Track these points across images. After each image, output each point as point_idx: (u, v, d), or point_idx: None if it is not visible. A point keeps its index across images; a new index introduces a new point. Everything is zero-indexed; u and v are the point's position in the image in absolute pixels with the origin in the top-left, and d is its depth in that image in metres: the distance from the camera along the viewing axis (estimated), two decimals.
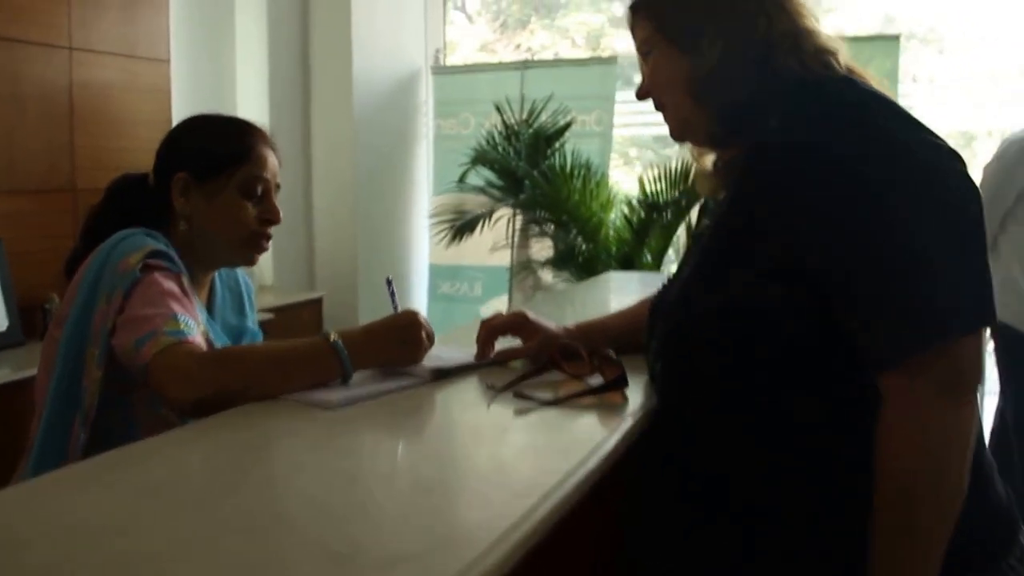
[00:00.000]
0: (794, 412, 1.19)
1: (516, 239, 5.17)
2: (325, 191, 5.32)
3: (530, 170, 4.93)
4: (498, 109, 5.10)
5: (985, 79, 5.54)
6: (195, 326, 1.42)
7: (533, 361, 1.54)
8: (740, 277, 1.19)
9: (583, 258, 4.91)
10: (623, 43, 6.12)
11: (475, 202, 5.01)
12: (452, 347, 1.61)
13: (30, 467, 1.44)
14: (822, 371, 1.17)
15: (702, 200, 4.59)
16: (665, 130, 1.40)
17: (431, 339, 1.49)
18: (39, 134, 3.58)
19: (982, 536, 1.17)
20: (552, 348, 1.52)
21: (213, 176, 1.60)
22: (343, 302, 5.15)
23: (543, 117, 5.07)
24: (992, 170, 3.28)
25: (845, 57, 1.27)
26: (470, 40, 6.54)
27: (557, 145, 5.04)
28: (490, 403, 1.33)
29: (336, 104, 5.27)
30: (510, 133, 5.05)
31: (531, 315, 1.62)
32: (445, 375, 1.48)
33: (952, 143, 1.15)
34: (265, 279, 4.88)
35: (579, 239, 4.94)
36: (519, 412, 1.28)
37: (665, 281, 1.67)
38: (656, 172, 4.83)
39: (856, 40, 4.25)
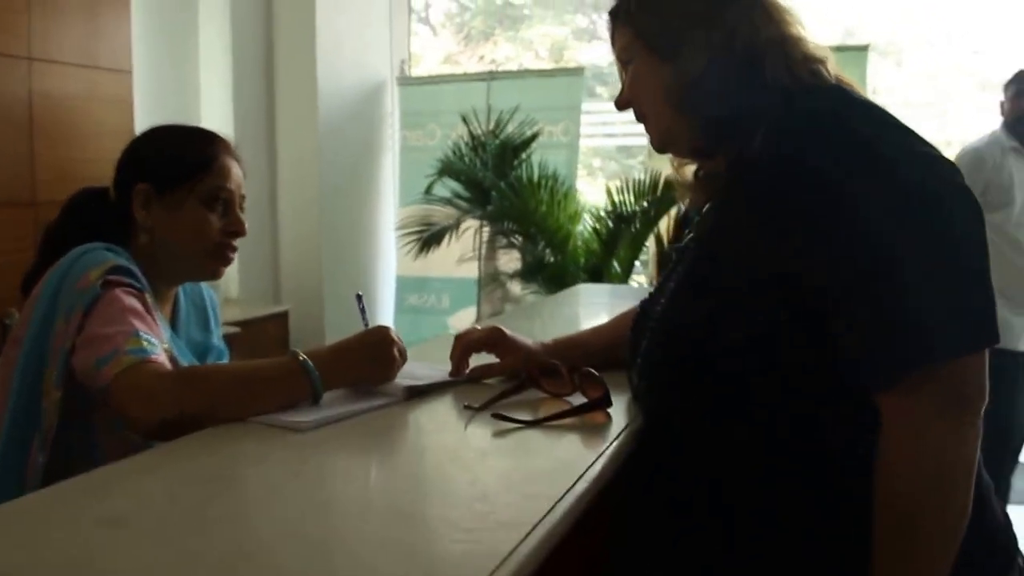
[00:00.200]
0: (787, 423, 1.15)
1: (484, 251, 5.13)
2: (290, 203, 5.26)
3: (497, 181, 4.89)
4: (464, 120, 5.06)
5: (943, 90, 5.59)
6: (158, 344, 1.36)
7: (510, 379, 1.50)
8: (729, 293, 1.16)
9: (551, 270, 4.88)
10: (586, 55, 6.13)
11: (442, 214, 4.96)
12: (425, 364, 1.56)
13: None
14: (816, 383, 1.14)
15: (679, 211, 4.60)
16: (628, 141, 1.37)
17: (403, 356, 1.44)
18: None
19: (980, 560, 1.13)
20: (530, 365, 1.48)
21: (175, 187, 1.54)
22: (309, 315, 5.09)
23: (509, 128, 5.04)
24: None
25: (833, 65, 1.24)
26: (434, 52, 6.52)
27: (524, 156, 5.01)
28: (467, 424, 1.28)
29: (301, 115, 5.21)
30: (477, 144, 5.01)
31: (507, 331, 1.58)
32: (419, 393, 1.43)
33: None
34: (230, 292, 4.80)
35: (547, 251, 4.90)
36: (498, 434, 1.23)
37: (645, 296, 1.64)
38: (621, 183, 4.81)
39: None
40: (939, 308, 1.03)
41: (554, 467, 1.12)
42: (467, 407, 1.33)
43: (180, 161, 1.56)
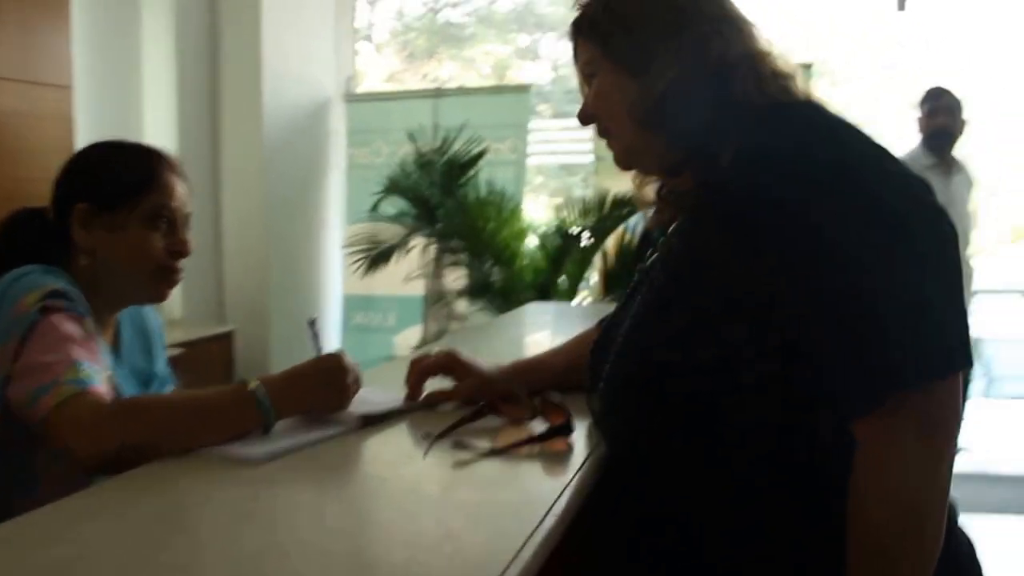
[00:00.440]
0: (757, 443, 1.12)
1: (430, 268, 5.08)
2: (235, 221, 5.15)
3: (444, 199, 4.85)
4: (411, 138, 5.01)
5: (876, 109, 5.69)
6: (99, 373, 1.30)
7: (467, 404, 1.46)
8: (698, 313, 1.12)
9: (498, 288, 4.84)
10: (527, 73, 6.15)
11: (390, 231, 4.90)
12: (379, 389, 1.51)
13: None
14: (786, 403, 1.11)
15: (626, 229, 4.60)
16: (570, 159, 1.34)
17: (358, 383, 1.40)
18: None
19: None
20: (488, 390, 1.44)
21: (116, 206, 1.48)
22: (255, 336, 4.99)
23: (456, 146, 4.99)
24: None
25: (803, 81, 1.22)
26: (378, 70, 6.48)
27: (471, 174, 4.97)
28: (426, 453, 1.23)
29: (246, 132, 5.12)
30: (424, 162, 4.97)
31: (463, 354, 1.54)
32: (374, 421, 1.38)
33: None
34: (173, 312, 4.68)
35: (494, 268, 4.87)
36: (459, 464, 1.18)
37: (601, 316, 1.61)
38: (564, 200, 4.81)
39: None
40: (913, 332, 1.01)
41: (520, 500, 1.08)
42: (426, 435, 1.28)
43: (121, 179, 1.50)
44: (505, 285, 4.84)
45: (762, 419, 1.11)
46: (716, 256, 1.12)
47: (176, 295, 4.69)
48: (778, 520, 1.13)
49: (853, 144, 1.11)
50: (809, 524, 1.11)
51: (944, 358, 1.03)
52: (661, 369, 1.15)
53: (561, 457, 1.23)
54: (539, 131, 5.59)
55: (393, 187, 4.90)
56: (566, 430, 1.26)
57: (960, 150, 4.31)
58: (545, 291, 4.76)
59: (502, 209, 4.89)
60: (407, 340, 5.26)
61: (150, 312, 1.68)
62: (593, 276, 4.99)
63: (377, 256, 4.84)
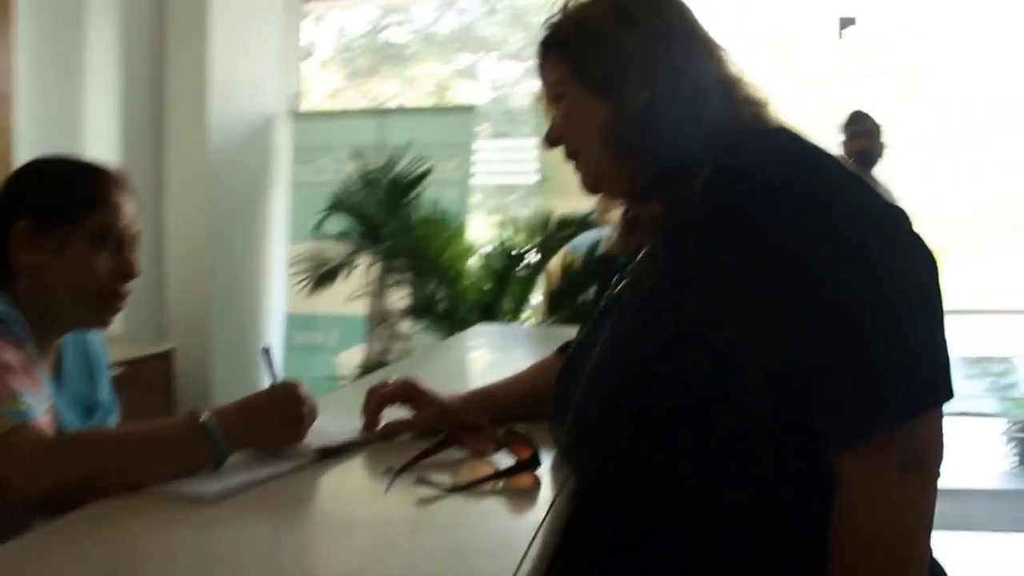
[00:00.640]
0: (739, 477, 1.10)
1: (374, 288, 5.01)
2: (178, 237, 5.02)
3: (389, 218, 4.79)
4: (356, 156, 4.95)
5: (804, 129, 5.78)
6: (40, 404, 1.23)
7: (426, 435, 1.41)
8: (678, 341, 1.09)
9: (442, 308, 4.80)
10: (467, 93, 6.16)
11: (335, 250, 4.83)
12: (334, 418, 1.45)
13: None
14: (767, 426, 1.08)
15: (574, 249, 4.59)
16: (510, 179, 1.30)
17: (314, 413, 1.34)
18: None
19: None
20: (448, 420, 1.39)
21: (60, 225, 1.41)
22: (196, 354, 4.87)
23: (401, 165, 4.94)
24: None
25: (775, 108, 1.20)
26: (320, 87, 6.43)
27: (416, 193, 4.92)
28: (388, 488, 1.18)
29: (191, 147, 5.00)
30: (369, 180, 4.91)
31: (421, 383, 1.49)
32: (331, 454, 1.33)
33: None
34: (112, 330, 4.50)
35: (439, 288, 4.82)
36: (423, 502, 1.13)
37: (565, 344, 1.58)
38: (504, 219, 4.79)
39: None
40: (903, 366, 1.00)
41: (493, 543, 1.02)
42: (388, 470, 1.22)
43: (65, 196, 1.44)
44: (449, 305, 4.79)
45: (750, 427, 1.08)
46: (694, 285, 1.10)
47: None
48: (764, 530, 1.10)
49: (831, 172, 1.10)
50: (796, 533, 1.09)
51: (932, 391, 1.01)
52: (644, 385, 1.12)
53: (529, 492, 1.19)
54: (483, 151, 5.57)
55: (338, 205, 4.83)
56: (533, 464, 1.22)
57: (880, 172, 4.43)
58: (489, 311, 4.73)
59: (447, 229, 4.86)
60: (350, 360, 5.18)
61: (94, 336, 1.60)
62: (537, 297, 4.97)
63: (323, 275, 4.76)
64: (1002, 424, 5.61)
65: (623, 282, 1.32)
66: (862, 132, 4.40)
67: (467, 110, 5.48)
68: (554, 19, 1.30)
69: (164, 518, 1.07)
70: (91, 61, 4.66)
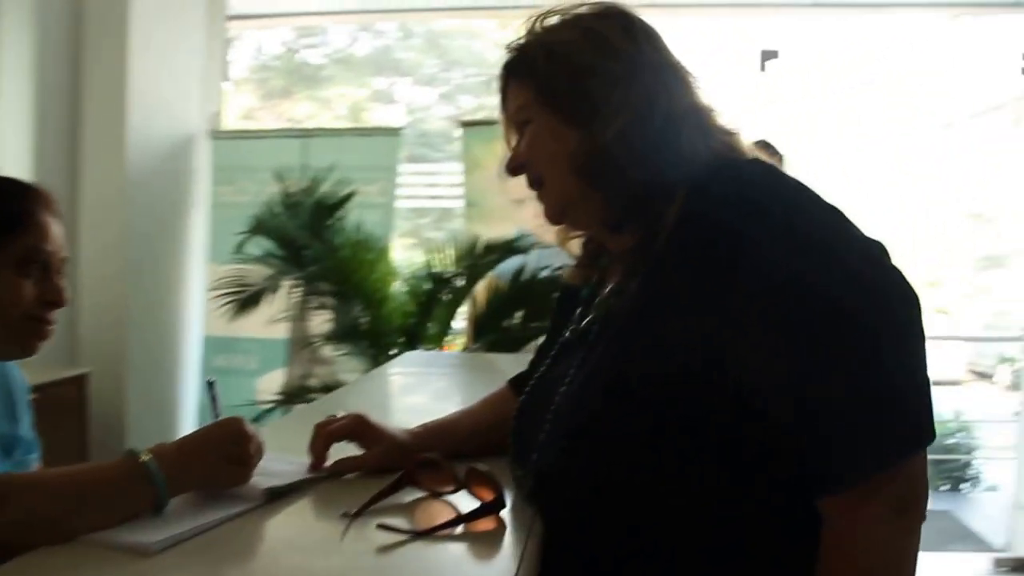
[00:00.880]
0: (721, 516, 1.06)
1: (296, 311, 4.89)
2: (93, 257, 4.81)
3: (312, 240, 4.68)
4: (278, 177, 4.83)
5: None
6: None
7: (376, 473, 1.33)
8: (657, 377, 1.04)
9: (366, 332, 4.70)
10: (382, 116, 6.14)
11: (256, 273, 4.69)
12: (279, 456, 1.37)
13: None
14: (755, 475, 1.04)
15: (507, 274, 4.54)
16: (432, 203, 1.26)
17: (260, 451, 1.25)
18: None
19: None
20: (401, 457, 1.32)
21: None
22: (111, 379, 4.68)
23: (325, 187, 4.84)
24: None
25: (746, 139, 1.17)
26: (234, 108, 6.32)
27: (339, 215, 4.83)
28: (344, 535, 1.10)
29: (108, 165, 4.83)
30: (291, 202, 4.79)
31: (371, 418, 1.42)
32: (280, 495, 1.24)
33: None
34: None
35: (362, 313, 4.72)
36: (383, 550, 1.05)
37: (515, 378, 1.53)
38: (433, 244, 4.74)
39: None
40: (885, 412, 0.97)
41: None
42: (344, 515, 1.15)
43: None
44: (373, 329, 4.70)
45: (733, 463, 1.05)
46: (674, 322, 1.06)
47: None
48: (746, 569, 1.06)
49: (813, 203, 1.07)
50: (787, 542, 1.06)
51: (916, 434, 0.99)
52: (620, 419, 1.07)
53: (495, 538, 1.12)
54: (404, 175, 5.51)
55: (259, 227, 4.71)
56: (498, 506, 1.16)
57: None
58: (414, 336, 4.65)
59: (371, 252, 4.77)
60: (269, 384, 5.05)
61: (14, 369, 1.49)
62: (461, 322, 4.91)
63: (247, 299, 4.62)
64: None
65: (589, 317, 1.26)
66: None
67: (392, 132, 5.43)
68: (520, 42, 1.25)
69: (101, 570, 0.98)
70: (3, 76, 4.46)
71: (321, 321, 4.88)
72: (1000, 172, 5.41)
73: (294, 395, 4.70)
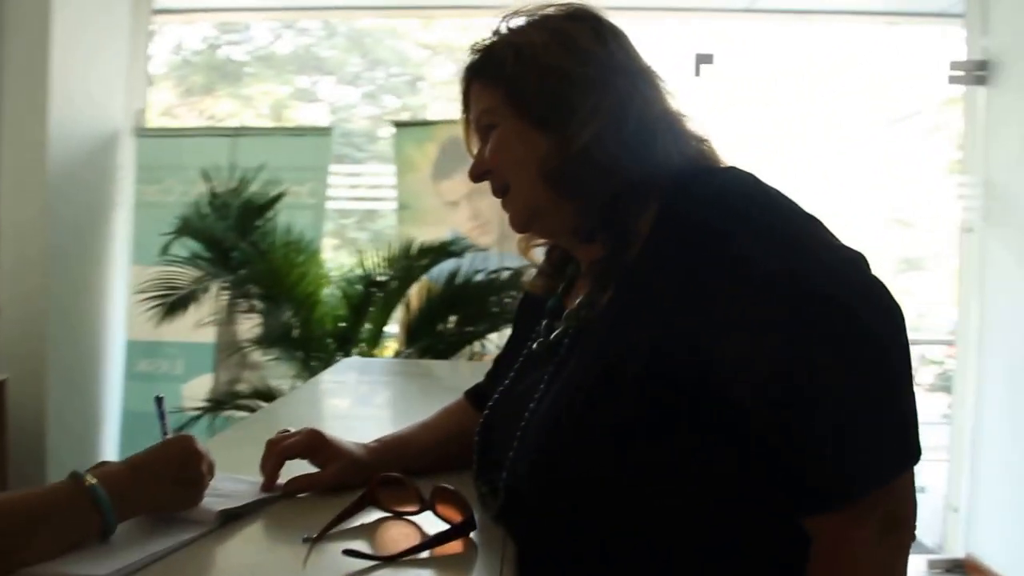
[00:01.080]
0: (702, 536, 1.03)
1: (223, 315, 4.77)
2: (11, 257, 4.62)
3: (240, 242, 4.56)
4: (205, 176, 4.70)
5: None
6: None
7: (331, 491, 1.28)
8: (638, 390, 1.01)
9: (297, 336, 4.60)
10: (305, 115, 6.06)
11: (182, 275, 4.55)
12: (230, 475, 1.30)
13: None
14: (742, 493, 1.01)
15: (441, 277, 4.49)
16: (371, 205, 1.21)
17: (212, 471, 1.19)
18: None
19: None
20: (358, 475, 1.27)
21: None
22: (30, 385, 4.49)
23: (254, 187, 4.72)
24: None
25: (717, 146, 1.14)
26: (153, 105, 6.15)
27: (268, 216, 4.71)
28: (306, 561, 1.04)
29: (28, 162, 4.64)
30: (219, 203, 4.66)
31: (327, 434, 1.35)
32: (233, 517, 1.18)
33: None
34: None
35: (292, 316, 4.62)
36: None
37: (471, 390, 1.49)
38: (365, 246, 4.67)
39: None
40: (876, 430, 0.94)
41: None
42: (306, 539, 1.08)
43: None
44: (303, 334, 4.60)
45: (718, 480, 1.02)
46: (654, 333, 1.01)
47: None
48: (734, 566, 1.04)
49: (793, 211, 1.04)
50: (773, 568, 1.03)
51: (905, 452, 0.97)
52: (600, 433, 1.03)
53: (467, 561, 1.07)
54: (336, 175, 5.42)
55: (185, 228, 4.56)
56: (469, 527, 1.11)
57: None
58: (346, 340, 4.57)
59: (301, 254, 4.67)
60: (195, 390, 4.90)
61: None
62: (393, 326, 4.84)
63: (174, 303, 4.48)
64: None
65: (558, 329, 1.22)
66: None
67: (322, 132, 5.33)
68: (486, 43, 1.21)
69: None
70: None
71: (250, 325, 4.76)
72: (919, 176, 5.53)
73: (222, 401, 4.58)
